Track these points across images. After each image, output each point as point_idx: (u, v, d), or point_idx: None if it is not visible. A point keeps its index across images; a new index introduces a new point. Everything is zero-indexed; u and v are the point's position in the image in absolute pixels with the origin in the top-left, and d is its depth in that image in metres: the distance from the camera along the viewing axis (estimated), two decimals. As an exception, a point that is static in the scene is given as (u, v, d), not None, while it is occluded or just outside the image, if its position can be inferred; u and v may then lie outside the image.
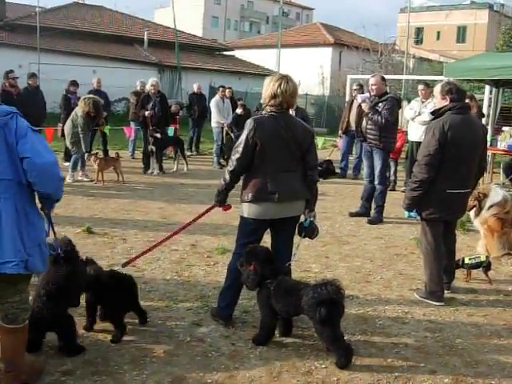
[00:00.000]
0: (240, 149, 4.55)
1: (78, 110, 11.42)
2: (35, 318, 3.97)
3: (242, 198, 4.64)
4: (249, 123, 4.56)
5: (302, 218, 4.83)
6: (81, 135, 11.31)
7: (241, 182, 4.77)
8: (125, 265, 5.01)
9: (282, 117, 4.58)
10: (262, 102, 4.94)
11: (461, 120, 5.39)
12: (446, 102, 5.49)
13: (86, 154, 11.55)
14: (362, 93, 13.02)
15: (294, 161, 4.61)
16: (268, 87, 4.59)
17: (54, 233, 3.92)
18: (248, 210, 4.63)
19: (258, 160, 4.54)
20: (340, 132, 14.15)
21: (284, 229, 4.76)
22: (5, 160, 3.39)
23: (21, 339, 3.74)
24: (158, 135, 12.86)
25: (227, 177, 4.69)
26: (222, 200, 4.84)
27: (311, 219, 4.77)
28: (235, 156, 4.59)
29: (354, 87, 13.90)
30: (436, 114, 5.57)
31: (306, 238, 4.86)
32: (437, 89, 5.69)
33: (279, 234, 4.80)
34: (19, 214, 3.43)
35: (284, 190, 4.53)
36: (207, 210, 5.25)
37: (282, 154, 4.54)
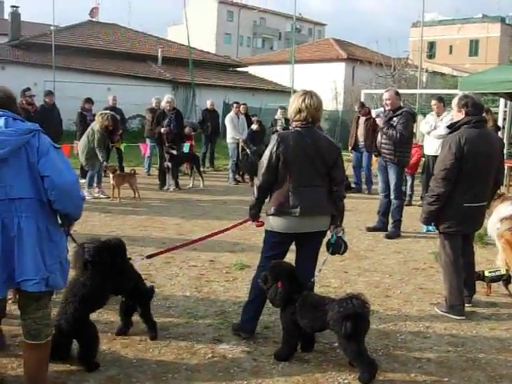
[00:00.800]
0: (265, 164, 4.60)
1: (95, 125, 11.51)
2: (58, 323, 4.09)
3: (266, 212, 4.68)
4: (273, 138, 4.63)
5: (329, 235, 4.82)
6: (97, 149, 11.39)
7: (266, 199, 4.82)
8: (149, 257, 5.18)
9: (307, 132, 4.61)
10: (288, 117, 4.99)
11: (477, 134, 5.39)
12: (462, 115, 5.49)
13: (105, 163, 11.64)
14: (369, 110, 13.14)
15: (319, 176, 4.62)
16: (293, 103, 4.66)
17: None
18: (271, 223, 4.66)
19: (282, 174, 4.57)
20: (350, 148, 14.18)
21: (308, 244, 4.76)
22: (26, 179, 3.42)
23: (43, 355, 3.75)
24: (174, 152, 12.93)
25: (255, 193, 4.77)
26: (253, 215, 4.88)
27: (338, 235, 4.76)
28: (261, 171, 4.65)
29: (356, 108, 14.05)
30: (452, 127, 5.57)
31: (323, 249, 4.86)
32: (454, 102, 5.71)
33: (303, 249, 4.80)
34: (41, 232, 3.46)
35: (307, 204, 4.53)
36: (240, 223, 5.40)
37: (305, 169, 4.56)
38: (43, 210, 3.49)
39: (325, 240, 4.83)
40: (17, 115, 3.54)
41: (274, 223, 4.64)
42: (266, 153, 4.62)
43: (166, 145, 12.91)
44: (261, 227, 4.91)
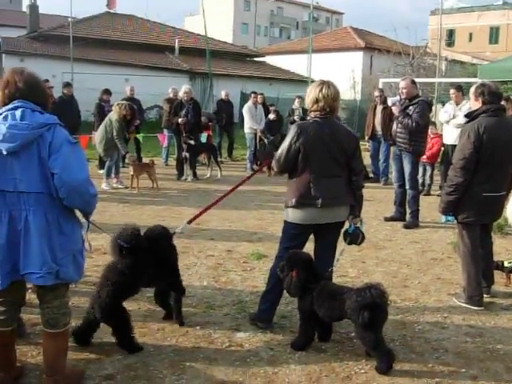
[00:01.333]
0: (283, 154, 4.61)
1: (113, 115, 11.56)
2: (89, 308, 4.22)
3: (286, 203, 4.67)
4: (292, 128, 4.63)
5: (347, 225, 4.82)
6: (116, 140, 11.44)
7: (284, 188, 4.81)
8: (189, 222, 5.20)
9: (326, 122, 4.60)
10: (305, 107, 4.96)
11: (496, 122, 5.33)
12: (480, 104, 5.44)
13: (128, 154, 11.74)
14: (385, 98, 12.98)
15: (338, 166, 4.62)
16: (310, 93, 4.66)
17: (88, 242, 4.01)
18: (291, 214, 4.65)
19: (302, 165, 4.56)
20: (366, 138, 14.08)
21: (327, 234, 4.75)
22: (35, 173, 3.42)
23: (62, 344, 3.80)
24: (192, 142, 12.96)
25: (275, 168, 4.81)
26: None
27: (356, 225, 4.76)
28: (278, 161, 4.67)
29: (376, 94, 13.83)
30: (470, 116, 5.52)
31: (340, 239, 4.87)
32: (471, 90, 5.66)
33: (322, 240, 4.80)
34: (50, 225, 3.47)
35: (327, 195, 4.53)
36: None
37: (325, 160, 4.55)
38: (54, 204, 3.49)
39: (342, 230, 4.83)
40: (36, 106, 3.51)
41: (295, 215, 4.63)
42: (285, 143, 4.61)
43: (184, 135, 12.94)
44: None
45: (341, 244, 4.87)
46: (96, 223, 4.24)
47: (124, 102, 12.21)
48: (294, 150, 4.54)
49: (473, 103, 5.64)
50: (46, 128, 3.43)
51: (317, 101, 4.60)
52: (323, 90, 4.57)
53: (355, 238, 4.80)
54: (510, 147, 5.40)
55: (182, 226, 5.14)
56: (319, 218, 4.60)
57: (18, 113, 3.43)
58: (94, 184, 3.70)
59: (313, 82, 4.94)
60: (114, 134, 11.38)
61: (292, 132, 4.59)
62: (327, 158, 4.56)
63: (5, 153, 3.38)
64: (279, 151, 4.68)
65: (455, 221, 5.83)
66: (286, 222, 4.78)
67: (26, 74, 3.59)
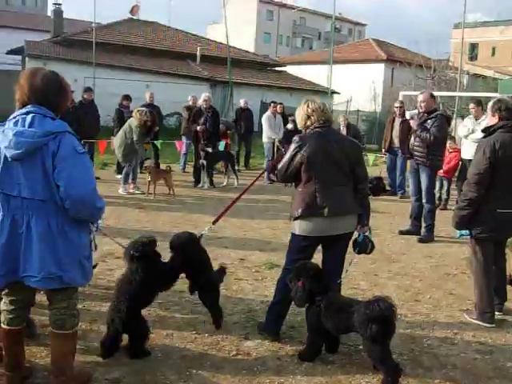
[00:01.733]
0: (285, 166, 4.67)
1: (133, 122, 11.64)
2: (111, 320, 4.28)
3: (292, 215, 4.68)
4: (294, 140, 4.67)
5: (356, 234, 4.82)
6: (137, 145, 11.54)
7: (290, 199, 4.84)
8: (214, 222, 5.35)
9: (327, 132, 4.66)
10: (299, 129, 5.01)
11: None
12: (496, 120, 5.42)
13: (148, 161, 11.83)
14: (404, 111, 12.90)
15: (343, 175, 4.63)
16: (300, 113, 4.77)
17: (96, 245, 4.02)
18: (298, 227, 4.65)
19: (306, 175, 4.58)
20: (383, 150, 14.03)
21: (336, 246, 4.74)
22: (39, 181, 3.45)
23: (69, 345, 3.84)
24: (209, 149, 13.01)
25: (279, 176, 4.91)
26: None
27: (365, 234, 4.76)
28: (280, 171, 4.74)
29: (396, 105, 13.73)
30: (487, 131, 5.50)
31: (357, 255, 4.86)
32: (488, 106, 5.65)
33: (331, 252, 4.78)
34: (53, 232, 3.50)
35: (334, 204, 4.54)
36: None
37: (329, 169, 4.57)
38: (58, 212, 3.51)
39: (352, 239, 4.83)
40: (48, 111, 3.52)
41: (302, 227, 4.63)
42: (287, 154, 4.67)
43: (202, 143, 13.00)
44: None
45: (350, 255, 4.86)
46: (103, 230, 4.29)
47: (144, 108, 12.31)
48: (297, 161, 4.58)
49: (490, 119, 5.63)
50: (52, 136, 3.43)
51: (308, 116, 4.69)
52: (310, 105, 4.69)
53: (364, 246, 4.80)
54: (525, 164, 5.36)
55: (206, 230, 5.25)
56: (327, 229, 4.60)
57: (29, 118, 3.46)
58: (100, 196, 3.70)
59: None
60: (135, 139, 11.46)
61: (294, 143, 4.63)
62: (332, 166, 4.57)
63: (10, 159, 3.44)
64: (281, 163, 4.73)
65: (469, 236, 5.79)
66: (293, 234, 4.77)
67: (40, 76, 3.57)
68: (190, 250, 4.80)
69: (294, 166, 4.61)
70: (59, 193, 3.45)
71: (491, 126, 5.45)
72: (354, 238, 4.82)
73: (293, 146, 4.62)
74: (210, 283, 5.01)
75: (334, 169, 4.59)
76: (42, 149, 3.42)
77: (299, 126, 4.88)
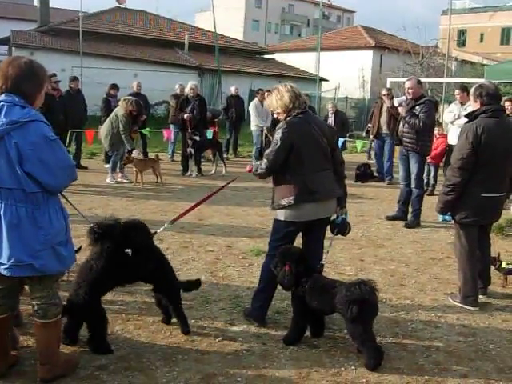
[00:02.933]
0: (273, 151, 4.57)
1: (119, 111, 11.62)
2: (68, 304, 4.18)
3: (278, 204, 4.65)
4: (281, 126, 4.61)
5: (334, 216, 4.86)
6: (123, 135, 11.51)
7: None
8: (172, 222, 5.04)
9: (308, 117, 4.68)
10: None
11: (494, 123, 5.34)
12: (479, 106, 5.46)
13: (135, 152, 11.78)
14: (392, 97, 12.91)
15: (326, 159, 4.67)
16: (279, 98, 4.68)
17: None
18: (286, 213, 4.64)
19: (294, 162, 4.56)
20: (371, 136, 14.07)
21: (316, 229, 4.79)
22: (4, 170, 3.45)
23: (53, 334, 3.86)
24: (197, 138, 13.00)
25: (263, 171, 4.71)
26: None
27: (343, 216, 4.82)
28: (269, 156, 4.61)
29: (383, 92, 13.71)
30: (470, 117, 5.54)
31: (339, 237, 4.96)
32: (471, 92, 5.69)
33: (312, 235, 4.83)
34: (22, 219, 3.50)
35: (323, 189, 4.59)
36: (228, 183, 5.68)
37: (316, 154, 4.59)
38: (26, 199, 3.50)
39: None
40: (20, 100, 3.51)
41: (291, 213, 4.61)
42: (275, 140, 4.59)
43: (189, 131, 12.98)
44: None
45: (329, 235, 4.93)
46: (81, 212, 4.28)
47: (130, 97, 12.27)
48: (285, 147, 4.52)
49: (473, 104, 5.66)
50: (17, 125, 3.42)
51: (291, 101, 4.63)
52: (290, 92, 4.64)
53: (343, 228, 4.87)
54: (508, 148, 5.41)
55: (164, 226, 4.99)
56: (314, 213, 4.63)
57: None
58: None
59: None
60: (121, 128, 11.43)
61: (281, 129, 4.56)
62: (317, 151, 4.60)
63: None
64: (268, 150, 4.65)
65: (452, 220, 5.85)
66: (278, 220, 4.75)
67: (13, 64, 3.56)
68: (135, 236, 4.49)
69: (282, 152, 4.53)
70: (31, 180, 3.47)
71: (474, 112, 5.49)
72: (332, 219, 4.86)
73: (280, 133, 4.55)
74: (169, 284, 4.73)
75: (319, 152, 4.62)
76: (3, 138, 3.42)
77: (280, 111, 4.72)
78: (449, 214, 5.81)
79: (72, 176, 3.72)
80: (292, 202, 4.57)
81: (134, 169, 11.70)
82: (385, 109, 13.22)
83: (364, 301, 4.06)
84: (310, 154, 4.57)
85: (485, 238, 5.90)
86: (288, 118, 4.67)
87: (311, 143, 4.57)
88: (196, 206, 5.36)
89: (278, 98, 4.69)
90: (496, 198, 5.54)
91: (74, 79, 13.63)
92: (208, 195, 5.56)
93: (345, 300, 4.10)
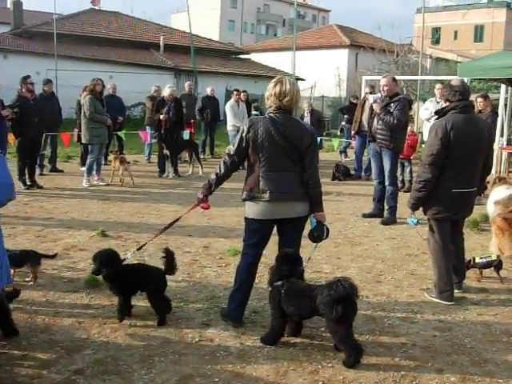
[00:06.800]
0: (235, 145, 4.72)
1: (82, 98, 11.97)
2: None
3: (241, 197, 4.77)
4: (245, 123, 4.72)
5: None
6: (94, 116, 11.61)
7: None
8: (139, 249, 5.30)
9: (280, 118, 4.64)
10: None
11: (464, 119, 5.40)
12: (448, 102, 5.52)
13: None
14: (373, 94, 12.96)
15: (291, 161, 4.63)
16: (267, 90, 4.74)
17: None
18: (247, 209, 4.75)
19: (252, 159, 4.65)
20: (353, 133, 14.12)
21: (288, 230, 4.78)
22: None
23: None
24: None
25: (219, 168, 4.83)
26: (204, 192, 4.91)
27: (315, 222, 4.79)
28: (230, 149, 4.77)
29: (366, 89, 13.80)
30: (439, 113, 5.60)
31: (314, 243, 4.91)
32: (440, 89, 5.74)
33: (284, 235, 4.83)
34: None
35: (275, 189, 4.58)
36: (191, 209, 5.37)
37: (275, 155, 4.59)
38: None
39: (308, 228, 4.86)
40: None
41: (249, 209, 4.72)
42: (238, 135, 4.72)
43: (162, 132, 12.94)
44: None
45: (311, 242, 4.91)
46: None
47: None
48: (245, 143, 4.64)
49: (445, 101, 5.71)
50: None
51: (268, 98, 4.71)
52: (276, 87, 4.65)
53: (320, 234, 4.81)
54: (478, 143, 5.47)
55: (130, 252, 5.26)
56: (271, 213, 4.65)
57: None
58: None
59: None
60: (87, 111, 11.56)
61: (244, 125, 4.68)
62: (277, 152, 4.59)
63: None
64: (233, 141, 4.82)
65: (418, 225, 5.90)
66: (245, 218, 4.83)
67: None
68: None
69: (242, 147, 4.66)
70: None
71: (443, 108, 5.56)
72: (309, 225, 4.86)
73: (242, 128, 4.69)
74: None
75: (280, 155, 4.60)
76: None
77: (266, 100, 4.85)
78: (414, 215, 5.85)
79: (9, 194, 3.69)
80: (245, 196, 4.70)
81: (112, 165, 11.70)
82: (367, 106, 13.23)
83: (348, 298, 4.06)
84: (267, 154, 4.59)
85: (458, 232, 5.94)
86: (254, 117, 4.87)
87: (270, 144, 4.57)
88: (165, 229, 5.63)
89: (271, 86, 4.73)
90: (467, 193, 5.58)
91: (48, 82, 13.48)
92: (171, 223, 5.60)
93: (328, 300, 4.07)
